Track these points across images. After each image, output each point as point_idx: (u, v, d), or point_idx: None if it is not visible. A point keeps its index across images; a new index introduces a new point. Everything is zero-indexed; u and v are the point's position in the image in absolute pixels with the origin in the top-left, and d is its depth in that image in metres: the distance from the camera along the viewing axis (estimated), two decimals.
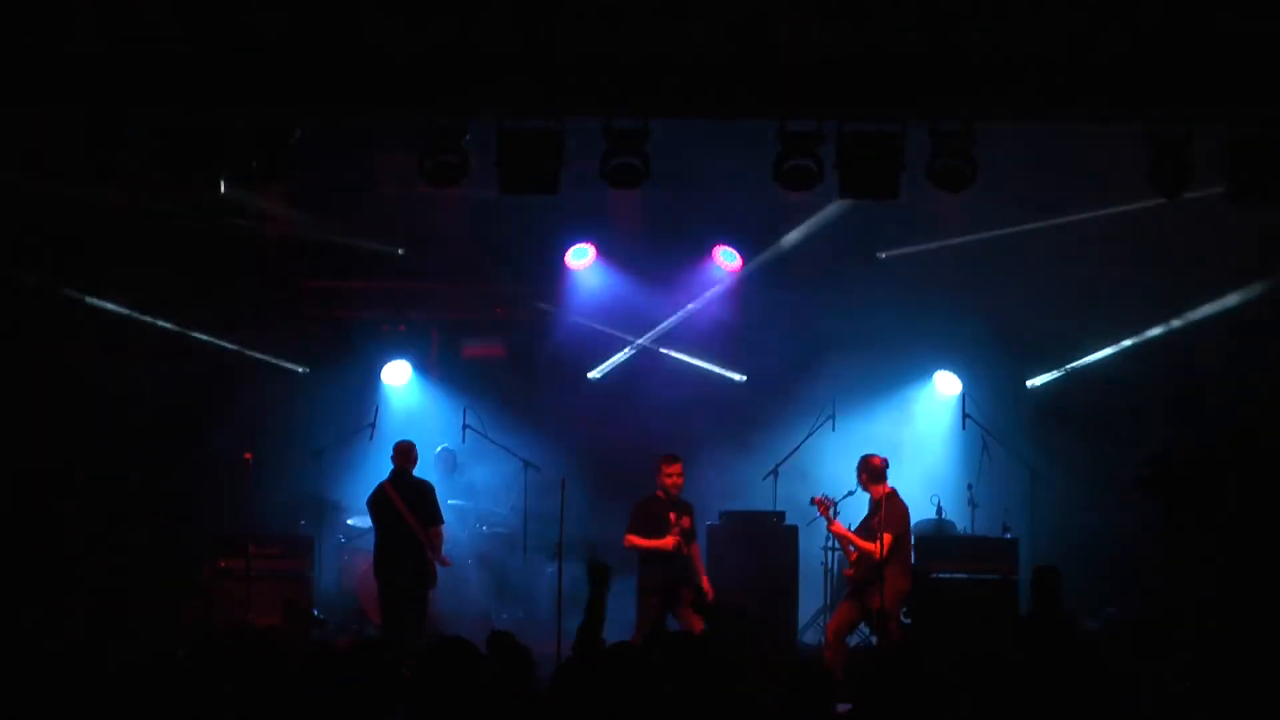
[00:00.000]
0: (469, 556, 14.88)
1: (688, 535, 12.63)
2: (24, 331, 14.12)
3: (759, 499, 14.34)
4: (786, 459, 14.76)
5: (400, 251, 15.46)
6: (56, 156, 11.72)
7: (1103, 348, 15.24)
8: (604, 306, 16.03)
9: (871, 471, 12.78)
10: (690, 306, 15.94)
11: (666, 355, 16.16)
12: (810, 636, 14.38)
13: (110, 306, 14.81)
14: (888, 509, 12.51)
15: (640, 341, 16.12)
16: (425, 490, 13.08)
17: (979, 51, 10.25)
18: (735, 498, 13.98)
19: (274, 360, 15.77)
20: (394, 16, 10.17)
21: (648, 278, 15.90)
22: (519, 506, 14.92)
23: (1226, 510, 12.43)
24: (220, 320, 15.26)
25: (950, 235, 14.86)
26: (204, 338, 15.28)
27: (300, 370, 15.93)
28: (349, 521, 14.86)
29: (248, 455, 13.04)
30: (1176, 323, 14.74)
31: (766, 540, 13.44)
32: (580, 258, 16.00)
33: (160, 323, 15.06)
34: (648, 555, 12.59)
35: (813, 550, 13.67)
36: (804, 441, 14.93)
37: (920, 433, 15.74)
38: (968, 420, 15.16)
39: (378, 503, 13.02)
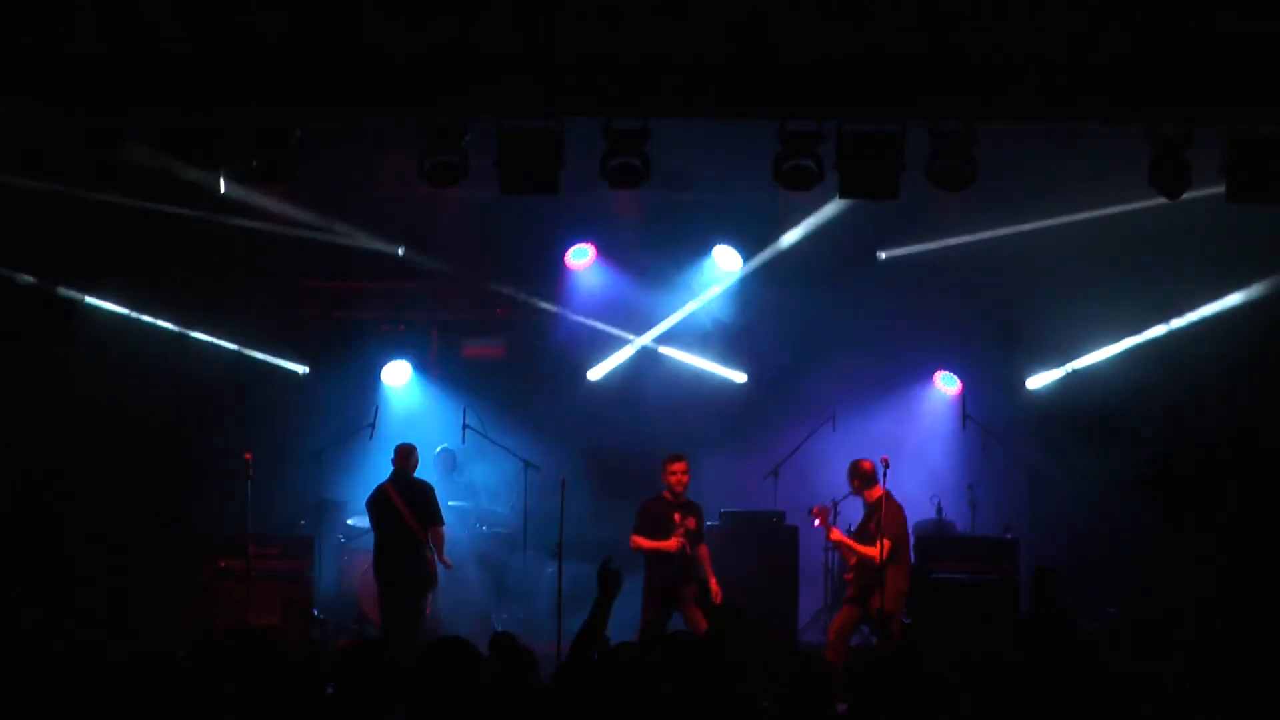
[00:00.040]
0: (469, 556, 14.88)
1: (693, 536, 12.59)
2: (23, 332, 14.12)
3: (759, 499, 14.35)
4: (786, 459, 14.77)
5: (400, 251, 15.45)
6: (56, 156, 11.72)
7: (1103, 348, 15.24)
8: (604, 306, 16.02)
9: (863, 476, 12.76)
10: (692, 306, 15.93)
11: (666, 355, 16.16)
12: (810, 636, 14.36)
13: (110, 306, 14.81)
14: (884, 512, 12.48)
15: (640, 341, 16.12)
16: (426, 491, 13.08)
17: (979, 51, 10.26)
18: (735, 498, 13.98)
19: (274, 360, 15.76)
20: (394, 16, 10.18)
21: (648, 278, 15.89)
22: (519, 506, 14.91)
23: (1226, 510, 12.43)
24: (220, 320, 15.25)
25: (950, 235, 14.85)
26: (204, 338, 15.28)
27: (300, 370, 15.93)
28: (349, 521, 14.86)
29: (248, 455, 13.02)
30: (1177, 322, 14.74)
31: (766, 540, 13.43)
32: (580, 258, 16.00)
33: (160, 323, 15.06)
34: (651, 556, 12.58)
35: (813, 550, 13.67)
36: (804, 441, 14.94)
37: (920, 433, 15.74)
38: (968, 420, 15.16)
39: (378, 503, 13.02)
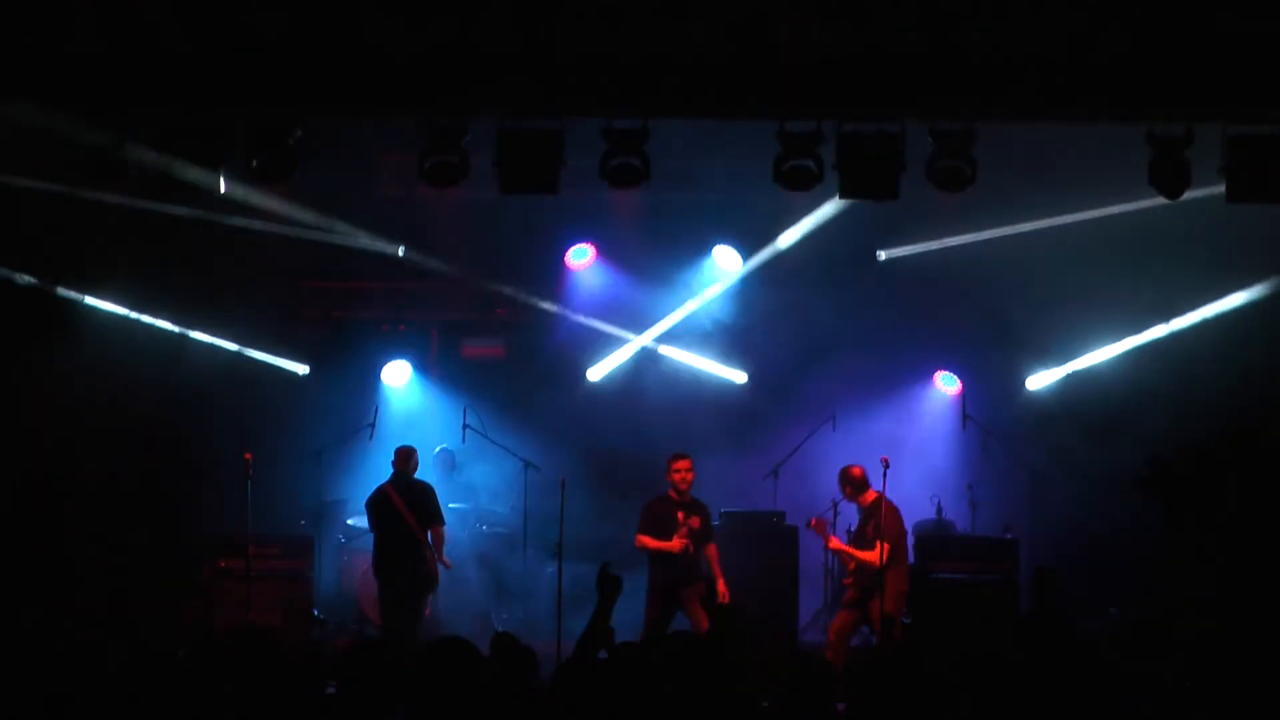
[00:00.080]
0: (469, 556, 14.88)
1: (697, 535, 12.55)
2: (23, 332, 14.12)
3: (759, 499, 14.35)
4: (786, 459, 14.77)
5: (400, 251, 15.45)
6: (56, 156, 11.72)
7: (1103, 348, 15.24)
8: (604, 306, 16.02)
9: (854, 483, 12.75)
10: (692, 305, 15.93)
11: (666, 355, 16.16)
12: (810, 636, 14.36)
13: (110, 307, 14.81)
14: (880, 515, 12.47)
15: (640, 341, 16.12)
16: (426, 491, 13.09)
17: (979, 51, 10.27)
18: (735, 498, 13.98)
19: (274, 360, 15.76)
20: (394, 16, 10.19)
21: (648, 278, 15.89)
22: (519, 506, 14.92)
23: (1226, 510, 12.42)
24: (220, 320, 15.25)
25: (950, 235, 14.85)
26: (204, 338, 15.27)
27: (300, 370, 15.93)
28: (349, 521, 14.86)
29: (248, 455, 13.02)
30: (1177, 323, 14.74)
31: (766, 540, 13.43)
32: (580, 258, 16.00)
33: (160, 323, 15.06)
34: (655, 555, 12.57)
35: (813, 550, 13.65)
36: (804, 441, 14.95)
37: (920, 433, 15.74)
38: (968, 420, 15.16)
39: (377, 504, 13.02)
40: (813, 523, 12.76)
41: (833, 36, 10.17)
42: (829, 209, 14.15)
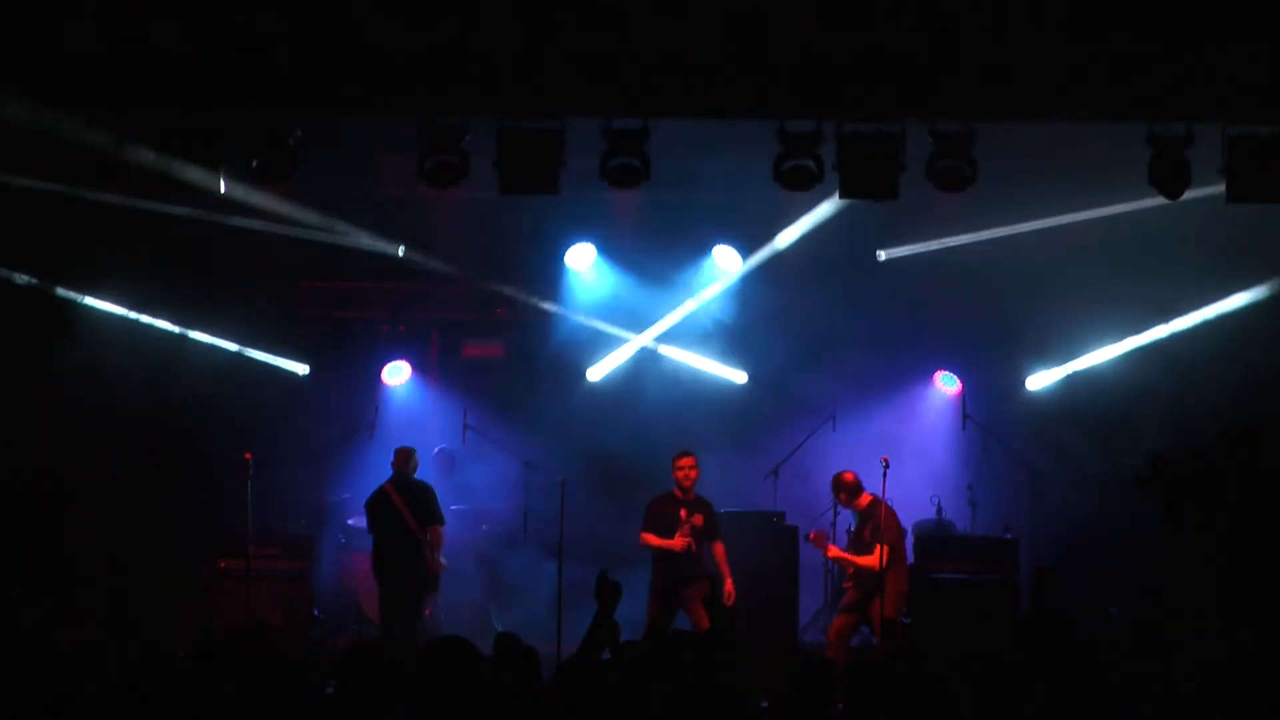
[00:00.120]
0: (468, 556, 14.89)
1: (700, 533, 12.53)
2: (23, 332, 14.11)
3: (759, 499, 14.35)
4: (787, 459, 14.78)
5: (400, 251, 15.45)
6: (56, 156, 11.72)
7: (1103, 348, 15.23)
8: (604, 306, 16.02)
9: (847, 488, 12.74)
10: (691, 305, 15.93)
11: (666, 355, 16.16)
12: (810, 636, 14.37)
13: (110, 307, 14.81)
14: (876, 519, 12.47)
15: (640, 341, 16.11)
16: (425, 491, 13.09)
17: (979, 51, 10.26)
18: (735, 498, 13.97)
19: (274, 360, 15.76)
20: (394, 16, 10.19)
21: (648, 277, 15.90)
22: (519, 506, 14.93)
23: (1226, 510, 12.42)
24: (220, 320, 15.25)
25: (950, 235, 14.85)
26: (204, 338, 15.27)
27: (300, 370, 15.92)
28: (349, 521, 14.86)
29: (248, 455, 13.02)
30: (1177, 323, 14.73)
31: (766, 540, 13.42)
32: (580, 257, 15.99)
33: (160, 323, 15.06)
34: (658, 553, 12.56)
35: (813, 550, 13.64)
36: (804, 441, 14.95)
37: (920, 432, 15.74)
38: (968, 420, 15.15)
39: (377, 504, 13.03)
40: (811, 536, 12.80)
41: (833, 36, 10.16)
42: (829, 208, 14.14)
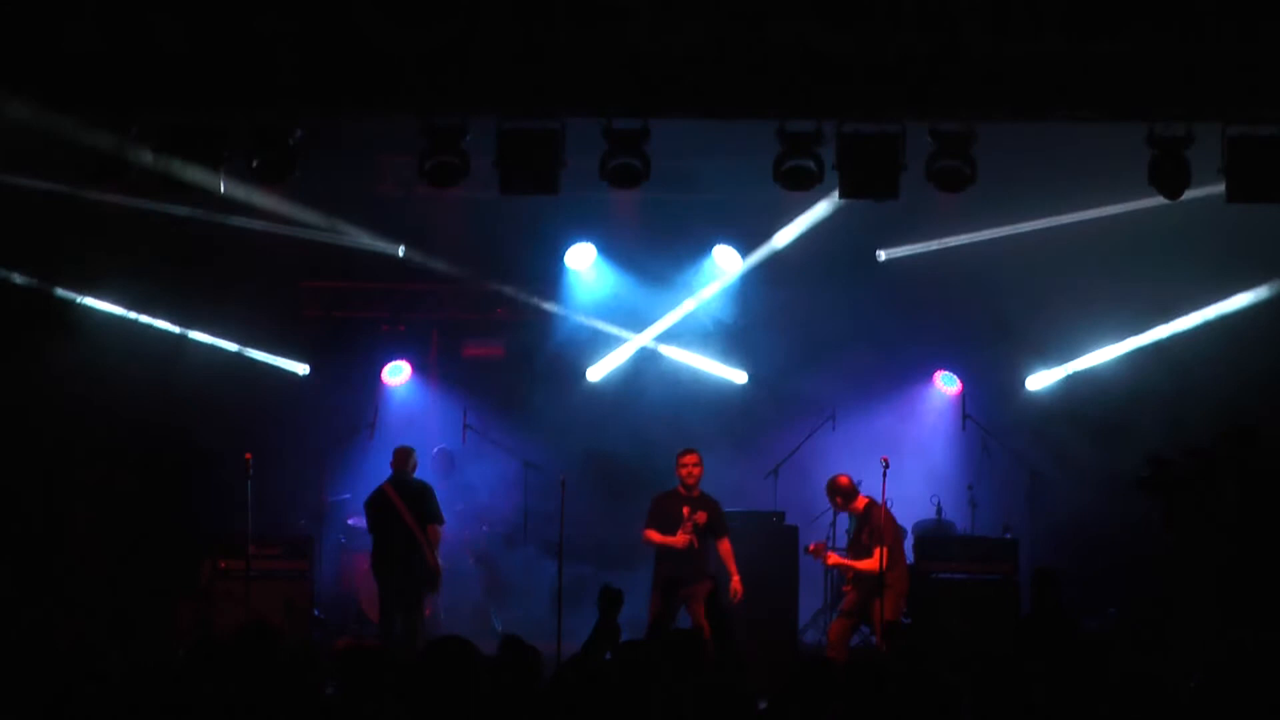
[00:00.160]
0: (468, 555, 14.89)
1: (703, 531, 12.51)
2: (23, 332, 14.12)
3: (759, 499, 14.35)
4: (786, 459, 14.78)
5: (400, 251, 15.45)
6: (57, 156, 11.72)
7: (1103, 348, 15.23)
8: (604, 306, 16.02)
9: (843, 492, 12.75)
10: (690, 305, 15.92)
11: (666, 355, 16.16)
12: (810, 636, 14.38)
13: (109, 307, 14.81)
14: (873, 522, 12.48)
15: (640, 341, 16.11)
16: (424, 491, 13.10)
17: (979, 51, 10.25)
18: (735, 498, 13.96)
19: (274, 360, 15.76)
20: (394, 17, 10.18)
21: (648, 277, 15.89)
22: (519, 506, 14.94)
23: (1226, 510, 12.42)
24: (220, 320, 15.25)
25: (950, 235, 14.85)
26: (204, 338, 15.27)
27: (300, 370, 15.92)
28: (349, 521, 14.87)
29: (248, 455, 13.02)
30: (1177, 323, 14.73)
31: (766, 540, 13.42)
32: (580, 257, 15.98)
33: (159, 323, 15.06)
34: (660, 550, 12.56)
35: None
36: (804, 441, 14.96)
37: (920, 432, 15.74)
38: (968, 420, 15.15)
39: (376, 504, 13.03)
40: (810, 548, 12.87)
41: (833, 36, 10.16)
42: (829, 208, 14.15)
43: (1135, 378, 14.88)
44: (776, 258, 15.34)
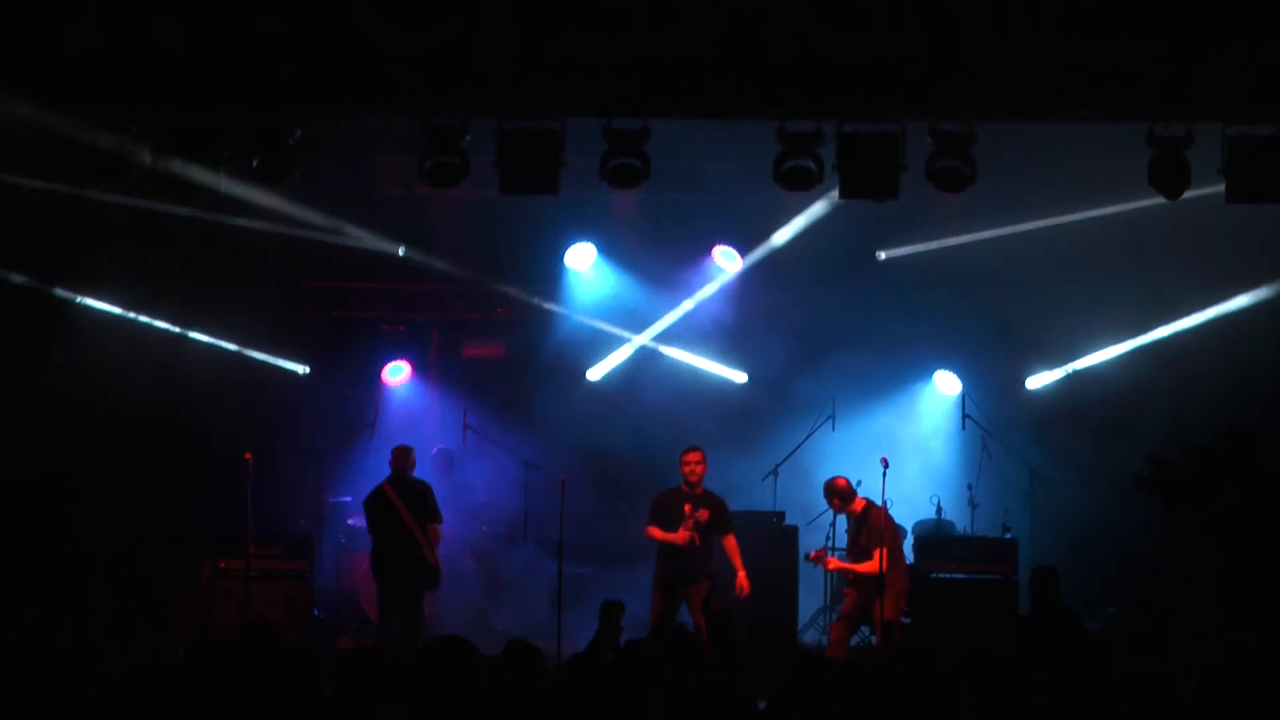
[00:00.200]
0: (468, 555, 14.89)
1: (705, 528, 12.49)
2: (22, 332, 14.12)
3: (759, 499, 14.35)
4: (786, 459, 14.78)
5: (400, 251, 15.45)
6: (57, 156, 11.72)
7: (1103, 348, 15.23)
8: (604, 306, 16.02)
9: (840, 494, 12.77)
10: (688, 305, 15.92)
11: (666, 355, 16.16)
12: (810, 636, 14.38)
13: (109, 307, 14.81)
14: (870, 524, 12.48)
15: (640, 341, 16.11)
16: (423, 490, 13.10)
17: (979, 52, 10.25)
18: (735, 498, 13.95)
19: (274, 360, 15.76)
20: (394, 17, 10.18)
21: (648, 277, 15.89)
22: (519, 506, 14.94)
23: (1226, 510, 12.41)
24: (220, 320, 15.25)
25: (950, 235, 14.85)
26: (204, 338, 15.27)
27: (300, 370, 15.92)
28: (349, 521, 14.87)
29: (248, 455, 13.02)
30: (1177, 323, 14.73)
31: (766, 540, 13.43)
32: (580, 258, 15.98)
33: (160, 323, 15.06)
34: (661, 548, 12.55)
35: (813, 549, 13.65)
36: (804, 441, 14.96)
37: (920, 432, 15.74)
38: (968, 420, 15.15)
39: (376, 503, 13.03)
40: (810, 556, 12.93)
41: (833, 36, 10.16)
42: (829, 208, 14.15)
43: (1135, 378, 14.88)
44: (776, 258, 15.34)
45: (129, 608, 13.14)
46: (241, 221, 14.14)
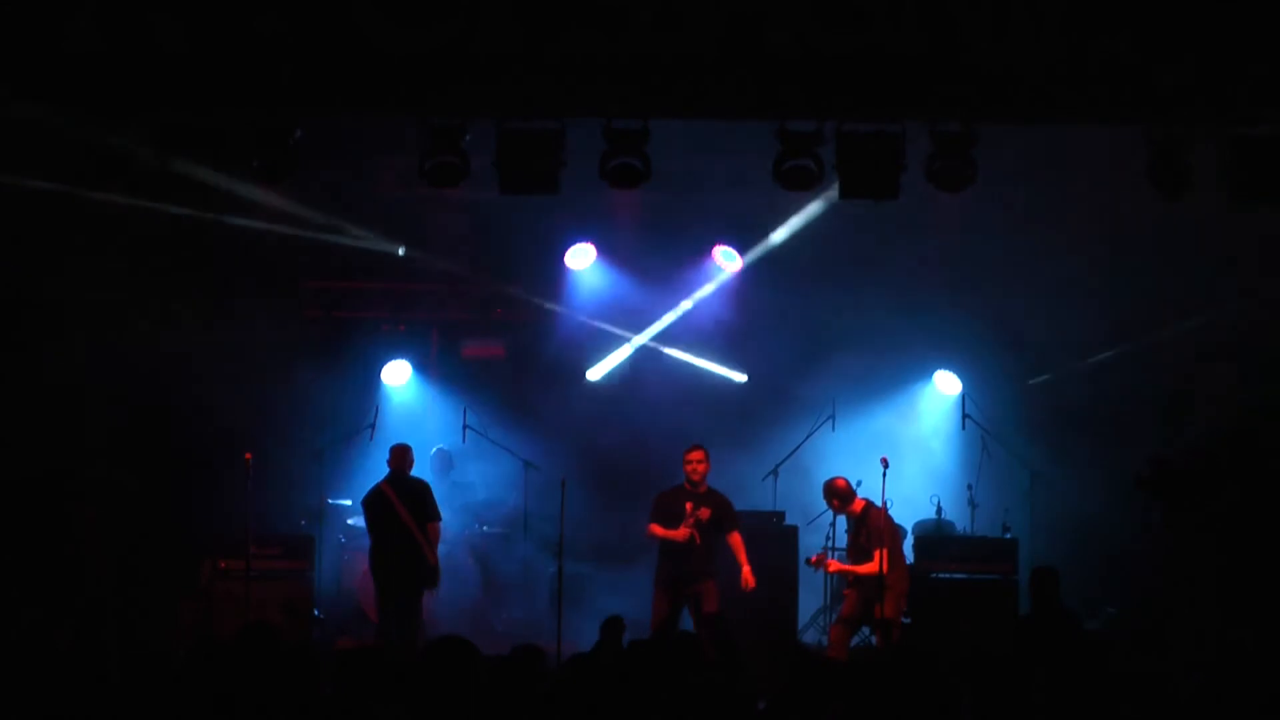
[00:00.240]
0: (467, 555, 14.89)
1: (706, 527, 12.49)
2: (20, 332, 14.11)
3: (759, 499, 14.35)
4: (786, 459, 14.77)
5: (400, 251, 15.45)
6: (56, 156, 11.72)
7: (1103, 348, 15.23)
8: (604, 306, 16.02)
9: (840, 495, 12.77)
10: (686, 305, 15.91)
11: (666, 355, 16.16)
12: (810, 636, 14.38)
13: (109, 307, 14.79)
14: (872, 523, 12.48)
15: (640, 340, 16.11)
16: (422, 489, 13.09)
17: (979, 52, 10.25)
18: (735, 498, 13.94)
19: (274, 360, 15.74)
20: (394, 16, 10.18)
21: (648, 277, 15.89)
22: (519, 505, 14.94)
23: (1226, 510, 12.43)
24: (220, 320, 15.23)
25: (950, 235, 14.84)
26: (203, 338, 15.25)
27: (300, 370, 15.90)
28: (349, 521, 14.87)
29: (248, 455, 13.02)
30: (1176, 323, 14.73)
31: (766, 540, 13.43)
32: (580, 258, 15.98)
33: (159, 323, 15.04)
34: (663, 547, 12.56)
35: (812, 550, 13.66)
36: (804, 441, 14.96)
37: (920, 432, 15.74)
38: (968, 420, 15.15)
39: (374, 503, 13.02)
40: (811, 561, 12.97)
41: (832, 36, 10.16)
42: (828, 208, 14.15)
43: (1135, 378, 14.87)
44: (776, 258, 15.33)
45: (129, 608, 13.13)
46: (241, 221, 14.13)
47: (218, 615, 13.13)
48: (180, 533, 14.14)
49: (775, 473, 14.63)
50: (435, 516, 13.03)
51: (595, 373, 16.20)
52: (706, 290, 15.89)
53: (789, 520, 13.89)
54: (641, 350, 16.15)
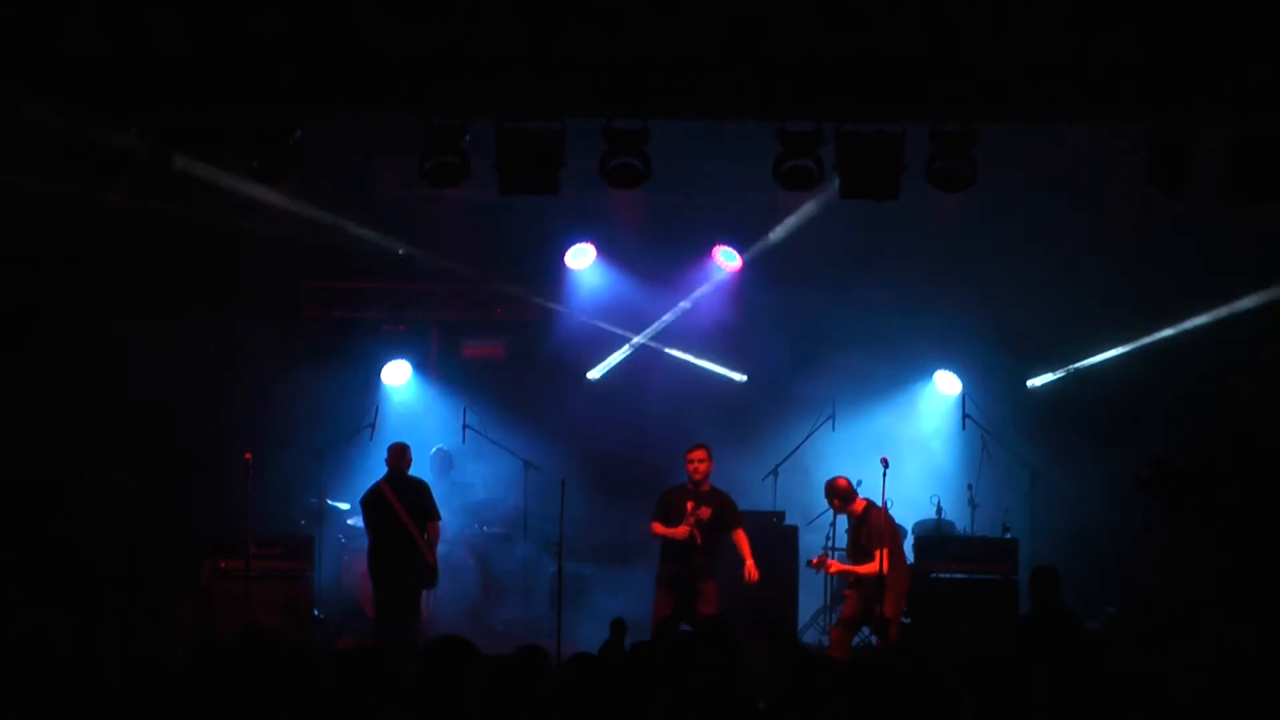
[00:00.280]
0: (467, 555, 14.89)
1: (707, 526, 12.48)
2: (21, 332, 14.11)
3: (759, 499, 14.35)
4: (786, 459, 14.78)
5: (400, 251, 15.45)
6: (56, 156, 11.72)
7: (1103, 348, 15.23)
8: (604, 306, 16.02)
9: (841, 494, 12.77)
10: (686, 305, 15.91)
11: (667, 355, 16.15)
12: (810, 636, 14.38)
13: (109, 307, 14.79)
14: (872, 523, 12.48)
15: (640, 340, 16.11)
16: (421, 489, 13.08)
17: (979, 52, 10.25)
18: (735, 498, 13.96)
19: (274, 360, 15.74)
20: (394, 16, 10.18)
21: (648, 277, 15.89)
22: (519, 505, 14.94)
23: (1226, 510, 12.43)
24: (219, 320, 15.24)
25: (950, 235, 14.85)
26: (203, 338, 15.26)
27: (300, 370, 15.90)
28: (349, 521, 14.86)
29: (248, 455, 13.02)
30: (1177, 324, 14.73)
31: (766, 540, 13.43)
32: (580, 258, 15.98)
33: (159, 323, 15.05)
34: (664, 545, 12.55)
35: (813, 550, 13.67)
36: (804, 441, 14.96)
37: (920, 432, 15.74)
38: (968, 420, 15.15)
39: (373, 502, 13.01)
40: (812, 563, 12.97)
41: (832, 36, 10.16)
42: (828, 208, 14.14)
43: (1135, 378, 14.88)
44: (776, 257, 15.33)
45: (129, 608, 13.13)
46: (242, 221, 14.13)
47: (218, 615, 13.13)
48: (180, 533, 14.15)
49: (775, 473, 14.64)
50: (434, 516, 13.03)
51: (595, 373, 16.20)
52: (706, 290, 15.89)
53: (789, 520, 13.89)
54: (642, 350, 16.15)
